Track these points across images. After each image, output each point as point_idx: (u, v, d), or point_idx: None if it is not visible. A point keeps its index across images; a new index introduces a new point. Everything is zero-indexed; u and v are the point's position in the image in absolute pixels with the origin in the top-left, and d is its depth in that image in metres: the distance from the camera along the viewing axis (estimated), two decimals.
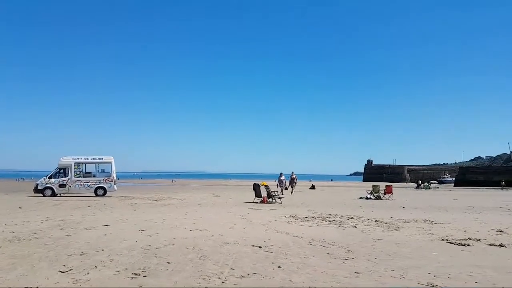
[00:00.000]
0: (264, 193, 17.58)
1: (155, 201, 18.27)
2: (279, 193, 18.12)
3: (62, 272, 4.75)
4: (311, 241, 7.14)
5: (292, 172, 26.88)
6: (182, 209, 13.98)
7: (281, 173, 25.93)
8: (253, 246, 6.66)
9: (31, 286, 4.13)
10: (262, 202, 16.88)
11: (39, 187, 22.36)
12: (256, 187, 17.98)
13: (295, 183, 26.89)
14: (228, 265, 5.26)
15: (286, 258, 5.71)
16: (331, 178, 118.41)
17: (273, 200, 17.09)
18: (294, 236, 7.80)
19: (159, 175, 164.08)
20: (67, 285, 4.22)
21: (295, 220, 10.38)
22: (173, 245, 6.64)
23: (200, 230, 8.35)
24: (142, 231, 8.18)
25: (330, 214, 11.93)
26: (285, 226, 9.32)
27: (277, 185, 24.82)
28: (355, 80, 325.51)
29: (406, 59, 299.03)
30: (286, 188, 25.44)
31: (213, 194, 25.94)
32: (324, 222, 10.02)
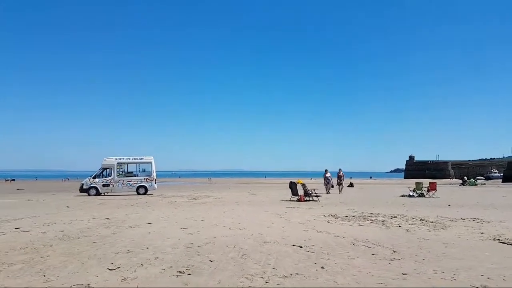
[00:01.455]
0: (300, 192, 17.40)
1: (194, 200, 18.61)
2: (320, 190, 17.76)
3: (110, 270, 4.91)
4: (353, 241, 6.95)
5: (340, 169, 24.56)
6: (220, 207, 14.13)
7: (326, 170, 24.31)
8: (293, 245, 6.58)
9: (82, 283, 4.30)
10: (299, 200, 16.71)
11: (84, 187, 23.45)
12: (292, 186, 17.81)
13: (343, 180, 24.61)
14: (270, 264, 5.23)
15: (329, 259, 5.58)
16: (370, 175, 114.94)
17: (311, 199, 16.86)
18: (335, 236, 7.63)
19: (195, 174, 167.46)
20: (116, 282, 4.35)
21: (335, 220, 10.17)
22: (214, 243, 6.70)
23: (239, 229, 8.37)
24: (183, 229, 8.34)
25: (371, 213, 11.58)
26: (325, 225, 9.15)
27: (325, 183, 23.68)
28: (398, 80, 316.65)
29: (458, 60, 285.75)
30: (332, 186, 23.75)
31: (249, 192, 26.05)
32: (366, 222, 9.73)
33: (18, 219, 10.50)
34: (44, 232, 8.02)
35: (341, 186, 23.93)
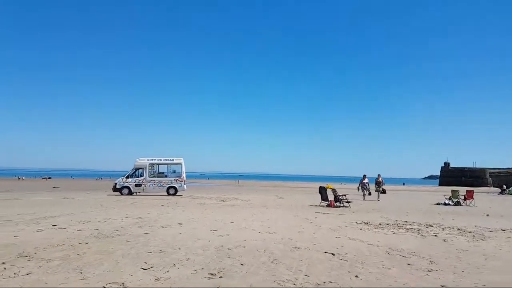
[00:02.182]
0: (330, 197, 17.10)
1: (222, 202, 18.72)
2: (354, 196, 17.36)
3: (144, 269, 4.98)
4: (388, 250, 6.70)
5: (379, 175, 22.95)
6: (248, 210, 14.11)
7: (364, 175, 22.96)
8: (325, 252, 6.43)
9: (117, 281, 4.38)
10: (329, 206, 16.41)
11: (117, 186, 24.15)
12: (322, 190, 17.53)
13: (382, 187, 23.00)
14: (301, 271, 5.12)
15: (363, 268, 5.40)
16: (403, 181, 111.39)
17: (341, 205, 16.52)
18: (369, 244, 7.39)
19: (223, 176, 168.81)
20: (149, 282, 4.40)
21: (368, 227, 9.88)
22: (244, 246, 6.66)
23: (269, 233, 8.30)
24: (213, 231, 8.37)
25: (406, 221, 11.18)
26: (357, 232, 8.91)
27: (358, 188, 22.79)
28: (431, 84, 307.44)
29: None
30: (369, 193, 22.56)
31: (277, 196, 25.90)
32: (401, 230, 9.39)
33: (55, 216, 10.92)
34: (80, 230, 8.28)
35: (379, 193, 22.60)
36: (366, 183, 22.75)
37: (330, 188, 17.79)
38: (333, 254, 6.30)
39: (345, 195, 17.01)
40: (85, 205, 15.27)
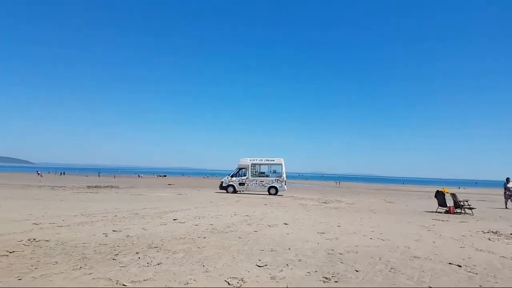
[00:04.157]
0: (449, 202, 15.43)
1: (324, 203, 18.38)
2: (469, 203, 15.36)
3: (259, 266, 5.10)
4: None
5: (507, 179, 19.69)
6: (354, 214, 13.55)
7: (507, 179, 19.50)
8: (450, 264, 5.77)
9: (236, 276, 4.56)
10: (447, 212, 14.81)
11: (223, 184, 25.69)
12: (439, 195, 15.90)
13: None
14: (425, 282, 4.67)
15: (497, 282, 4.71)
16: None
17: (462, 211, 14.77)
18: (501, 256, 6.43)
19: (322, 177, 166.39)
20: (266, 280, 4.48)
21: (498, 237, 8.63)
22: (356, 252, 6.37)
23: (382, 240, 7.81)
24: (321, 234, 8.22)
25: None
26: (485, 243, 7.83)
27: (504, 193, 19.71)
28: None
29: None
30: None
31: (384, 199, 24.43)
32: None
33: (174, 211, 12.02)
34: (196, 225, 8.94)
35: (509, 200, 19.53)
36: (511, 187, 19.48)
37: (449, 193, 16.05)
38: (459, 266, 5.63)
39: (466, 201, 15.17)
40: (197, 202, 16.52)
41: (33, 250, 5.65)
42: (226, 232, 7.95)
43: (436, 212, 15.24)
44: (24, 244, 6.04)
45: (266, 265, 5.19)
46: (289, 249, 6.40)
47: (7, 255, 5.27)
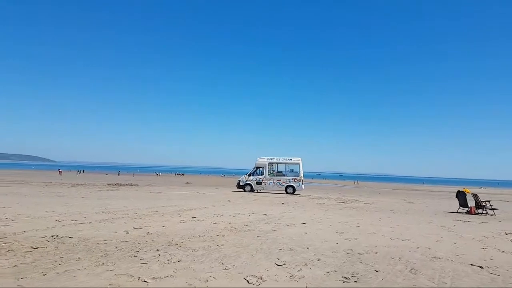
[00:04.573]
0: (470, 203, 15.07)
1: (343, 203, 18.23)
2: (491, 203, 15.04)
3: (278, 265, 5.12)
4: None
5: None
6: (374, 214, 13.39)
7: None
8: (471, 265, 5.66)
9: (255, 274, 4.60)
10: (468, 212, 14.47)
11: (241, 183, 25.78)
12: (460, 195, 15.55)
13: None
14: (446, 283, 4.60)
15: None
16: None
17: (484, 212, 14.40)
18: None
19: (340, 176, 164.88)
20: (285, 279, 4.50)
21: None
22: (376, 252, 6.31)
23: (402, 240, 7.70)
24: (339, 234, 8.17)
25: None
26: (508, 244, 7.63)
27: None
28: None
29: None
30: None
31: (404, 200, 24.03)
32: None
33: (192, 209, 12.16)
34: (215, 223, 9.03)
35: None
36: None
37: (470, 193, 15.67)
38: (481, 267, 5.52)
39: (488, 201, 14.79)
40: (215, 200, 16.66)
41: (56, 247, 5.82)
42: (244, 231, 8.00)
43: (457, 212, 14.92)
44: (47, 241, 6.23)
45: (285, 264, 5.21)
46: (308, 248, 6.40)
47: (31, 251, 5.44)
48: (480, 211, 14.49)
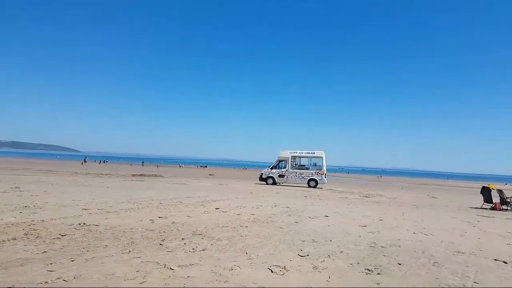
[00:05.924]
0: (495, 199, 14.70)
1: (365, 197, 18.12)
2: None
3: (301, 256, 5.24)
4: None
5: None
6: (397, 208, 13.27)
7: None
8: (495, 260, 5.60)
9: (279, 264, 4.72)
10: (493, 208, 14.15)
11: (263, 176, 25.95)
12: (485, 191, 15.19)
13: None
14: (469, 277, 4.59)
15: None
16: None
17: (509, 208, 14.03)
18: None
19: (363, 171, 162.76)
20: (308, 269, 4.60)
21: None
22: (399, 246, 6.33)
23: (425, 234, 7.65)
24: (362, 227, 8.19)
25: None
26: None
27: None
28: None
29: None
30: None
31: (428, 195, 23.63)
32: None
33: (216, 200, 12.41)
34: (238, 214, 9.21)
35: None
36: None
37: (495, 189, 15.29)
38: (505, 262, 5.46)
39: None
40: (238, 192, 16.89)
41: (84, 234, 6.08)
42: (268, 222, 8.14)
43: (481, 208, 14.62)
44: (75, 228, 6.51)
45: (308, 255, 5.31)
46: (331, 240, 6.47)
47: (60, 238, 5.70)
48: (505, 207, 14.15)
